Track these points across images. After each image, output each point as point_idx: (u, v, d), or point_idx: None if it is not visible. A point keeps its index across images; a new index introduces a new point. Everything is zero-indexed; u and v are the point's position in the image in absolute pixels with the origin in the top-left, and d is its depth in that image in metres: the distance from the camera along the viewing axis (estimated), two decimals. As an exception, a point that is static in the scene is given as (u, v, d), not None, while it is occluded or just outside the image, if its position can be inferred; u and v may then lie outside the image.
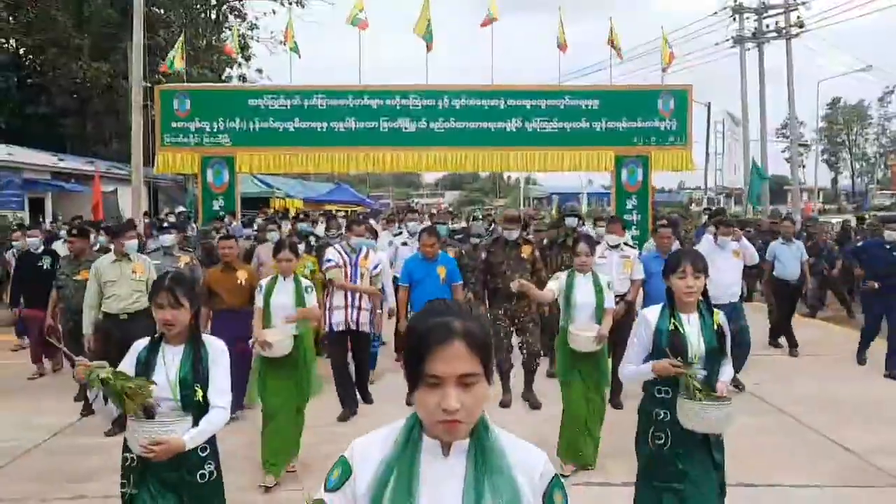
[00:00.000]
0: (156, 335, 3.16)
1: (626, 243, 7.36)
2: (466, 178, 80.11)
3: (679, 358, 3.27)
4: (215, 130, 13.59)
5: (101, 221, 14.14)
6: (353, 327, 6.60)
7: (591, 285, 5.32)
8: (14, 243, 9.67)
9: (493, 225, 14.69)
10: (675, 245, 8.39)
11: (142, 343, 3.19)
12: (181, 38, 14.79)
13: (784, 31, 20.08)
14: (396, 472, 1.45)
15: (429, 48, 14.09)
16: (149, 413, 2.92)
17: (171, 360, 3.08)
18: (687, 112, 13.90)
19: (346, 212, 27.14)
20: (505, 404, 6.83)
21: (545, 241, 8.68)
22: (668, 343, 3.35)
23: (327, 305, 6.72)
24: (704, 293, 3.43)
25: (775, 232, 10.56)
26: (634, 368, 3.52)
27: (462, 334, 1.39)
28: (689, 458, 3.30)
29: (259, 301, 5.33)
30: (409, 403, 5.96)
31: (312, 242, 9.52)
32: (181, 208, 20.53)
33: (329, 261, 6.71)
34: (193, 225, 13.98)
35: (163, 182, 24.51)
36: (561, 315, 5.45)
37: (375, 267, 6.79)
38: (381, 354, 8.33)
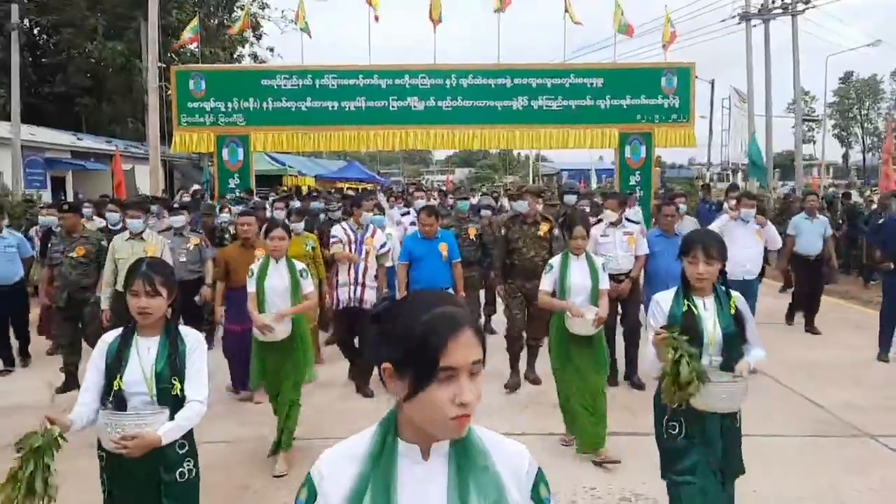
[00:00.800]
0: (128, 325, 2.98)
1: (628, 219, 7.11)
2: (477, 155, 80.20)
3: (692, 341, 3.10)
4: (230, 110, 14.02)
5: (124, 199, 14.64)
6: (357, 304, 6.53)
7: (585, 267, 5.18)
8: (41, 219, 10.12)
9: (499, 201, 15.07)
10: (692, 222, 8.36)
11: (112, 334, 3.00)
12: (195, 18, 15.09)
13: (790, 6, 20.22)
14: (372, 483, 1.38)
15: (435, 25, 14.44)
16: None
17: (145, 352, 2.92)
18: (690, 89, 14.21)
19: (357, 189, 27.58)
20: (513, 386, 6.72)
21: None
22: (683, 328, 3.15)
23: (334, 283, 6.72)
24: (722, 275, 3.29)
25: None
26: (644, 356, 3.50)
27: (469, 321, 1.35)
28: (704, 447, 3.16)
29: (251, 285, 5.15)
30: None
31: (322, 219, 9.53)
32: (196, 186, 21.01)
33: (333, 237, 6.73)
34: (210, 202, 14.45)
35: (178, 161, 25.00)
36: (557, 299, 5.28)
37: (382, 245, 6.78)
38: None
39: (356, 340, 6.78)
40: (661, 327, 3.20)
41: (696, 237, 3.28)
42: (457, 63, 14.39)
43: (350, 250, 6.58)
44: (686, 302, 3.25)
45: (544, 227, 6.81)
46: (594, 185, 26.12)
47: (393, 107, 14.13)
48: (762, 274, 7.53)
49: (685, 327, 3.15)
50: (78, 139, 22.19)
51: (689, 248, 3.23)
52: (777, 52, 20.80)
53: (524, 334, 6.81)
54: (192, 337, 3.02)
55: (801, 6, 20.01)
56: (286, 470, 4.89)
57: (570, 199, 8.57)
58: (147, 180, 17.28)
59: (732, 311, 3.25)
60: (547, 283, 5.23)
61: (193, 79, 14.06)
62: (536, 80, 14.10)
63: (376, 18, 14.77)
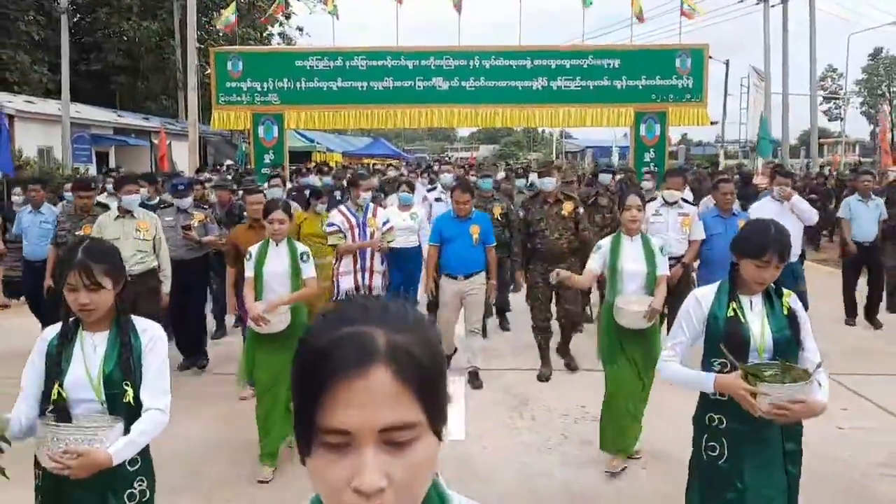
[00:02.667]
0: (71, 318, 2.47)
1: (684, 199, 6.61)
2: (501, 132, 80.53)
3: (738, 353, 2.71)
4: (265, 90, 14.87)
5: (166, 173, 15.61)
6: (363, 291, 6.08)
7: (640, 250, 4.59)
8: (66, 195, 9.64)
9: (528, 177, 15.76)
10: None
11: (52, 330, 2.49)
12: (233, 4, 15.90)
13: (808, -14, 20.58)
14: None
15: (459, 10, 15.16)
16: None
17: (91, 350, 2.43)
18: (703, 70, 14.77)
19: (384, 165, 28.41)
20: (544, 377, 6.38)
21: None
22: (725, 334, 2.78)
23: (336, 271, 6.36)
24: None
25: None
26: (681, 371, 2.90)
27: (386, 355, 0.83)
28: (751, 471, 2.74)
29: (249, 270, 4.75)
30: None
31: (337, 197, 8.85)
32: (229, 161, 21.99)
33: (332, 225, 6.27)
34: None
35: (211, 137, 25.97)
36: (606, 286, 4.76)
37: (385, 223, 6.40)
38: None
39: None
40: (729, 366, 2.72)
41: (771, 238, 2.75)
42: (480, 45, 15.09)
43: (353, 236, 6.16)
44: (731, 304, 2.83)
45: (568, 206, 6.29)
46: (616, 162, 26.72)
47: (419, 86, 14.87)
48: (803, 255, 6.99)
49: (728, 334, 2.77)
50: (119, 116, 23.26)
51: (762, 250, 2.72)
52: (800, 30, 21.21)
53: (550, 326, 6.45)
54: (149, 332, 2.53)
55: (819, -14, 20.32)
56: (271, 475, 4.57)
57: (605, 178, 8.07)
58: (182, 155, 18.23)
59: (785, 312, 2.83)
60: (595, 263, 4.69)
61: (231, 60, 14.91)
62: (556, 62, 14.75)
63: (399, 1, 15.47)
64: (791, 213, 6.57)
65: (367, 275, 6.19)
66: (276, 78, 14.85)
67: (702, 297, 2.95)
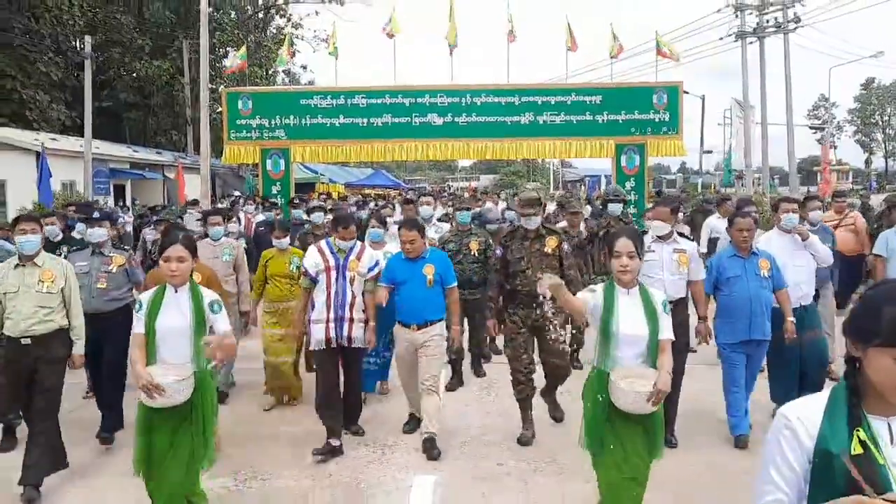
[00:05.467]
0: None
1: (680, 233, 5.69)
2: (501, 162, 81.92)
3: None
4: (273, 126, 16.07)
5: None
6: (341, 343, 5.39)
7: (639, 306, 3.62)
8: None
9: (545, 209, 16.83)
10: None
11: None
12: (244, 47, 17.16)
13: (782, 25, 21.89)
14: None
15: (452, 51, 16.44)
16: None
17: None
18: (678, 105, 15.94)
19: (384, 196, 29.59)
20: (525, 440, 5.45)
21: (584, 235, 7.42)
22: (849, 483, 1.61)
23: (308, 319, 5.50)
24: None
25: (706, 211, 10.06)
26: None
27: None
28: None
29: (138, 324, 3.70)
30: (405, 432, 5.70)
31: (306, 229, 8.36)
32: (236, 193, 23.17)
33: (302, 266, 5.57)
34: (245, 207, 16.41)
35: (219, 169, 27.22)
36: (595, 352, 3.78)
37: (371, 268, 5.52)
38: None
39: (349, 380, 5.68)
40: None
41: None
42: (471, 83, 16.32)
43: (328, 278, 5.36)
44: (856, 432, 1.66)
45: (552, 242, 5.45)
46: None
47: (415, 122, 16.06)
48: (817, 295, 6.01)
49: (853, 483, 1.60)
50: (134, 151, 24.55)
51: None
52: (790, 63, 22.43)
53: (532, 379, 5.52)
54: None
55: (792, 25, 21.64)
56: None
57: (615, 208, 7.20)
58: (195, 187, 19.41)
59: None
60: (587, 296, 3.73)
61: (241, 99, 16.15)
62: (541, 98, 15.95)
63: (390, 36, 16.74)
64: (800, 247, 5.76)
65: (344, 325, 5.34)
66: (282, 115, 16.06)
67: (799, 420, 1.71)
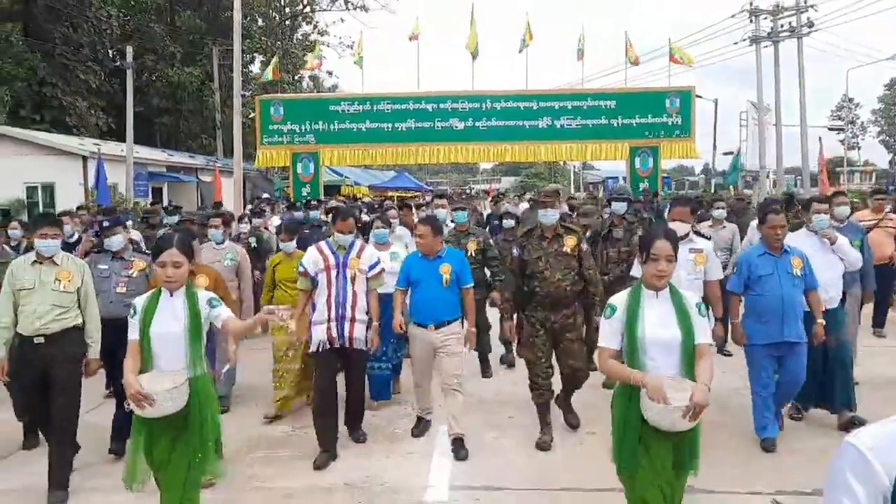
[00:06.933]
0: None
1: (696, 232, 5.61)
2: (523, 165, 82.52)
3: None
4: (303, 131, 17.01)
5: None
6: (342, 343, 5.22)
7: (670, 310, 3.29)
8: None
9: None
10: (733, 229, 7.72)
11: None
12: (276, 56, 18.10)
13: (796, 30, 22.43)
14: None
15: (473, 59, 17.25)
16: None
17: None
18: (690, 109, 16.65)
19: (405, 197, 30.43)
20: (544, 445, 5.26)
21: (587, 234, 6.98)
22: None
23: (310, 320, 5.37)
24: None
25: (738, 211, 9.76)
26: None
27: None
28: None
29: (133, 331, 3.57)
30: (415, 435, 5.54)
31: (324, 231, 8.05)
32: (266, 195, 24.09)
33: (301, 266, 5.34)
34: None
35: (250, 173, 28.22)
36: (624, 361, 3.36)
37: (373, 267, 5.36)
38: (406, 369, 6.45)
39: (351, 384, 5.50)
40: None
41: None
42: (491, 89, 17.13)
43: (328, 277, 5.21)
44: None
45: (570, 242, 5.32)
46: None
47: (438, 126, 16.91)
48: (844, 298, 5.88)
49: None
50: (169, 155, 25.65)
51: None
52: (805, 66, 22.90)
53: (551, 382, 5.34)
54: None
55: (805, 29, 22.18)
56: None
57: (620, 206, 6.79)
58: (228, 190, 20.37)
59: None
60: (609, 336, 3.36)
61: (273, 106, 17.10)
62: (558, 103, 16.74)
63: (412, 39, 17.60)
64: (828, 249, 5.60)
65: (346, 324, 5.19)
66: (312, 121, 16.98)
67: (873, 452, 1.38)
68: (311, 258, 5.26)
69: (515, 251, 5.41)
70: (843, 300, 5.79)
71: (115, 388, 5.45)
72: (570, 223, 5.85)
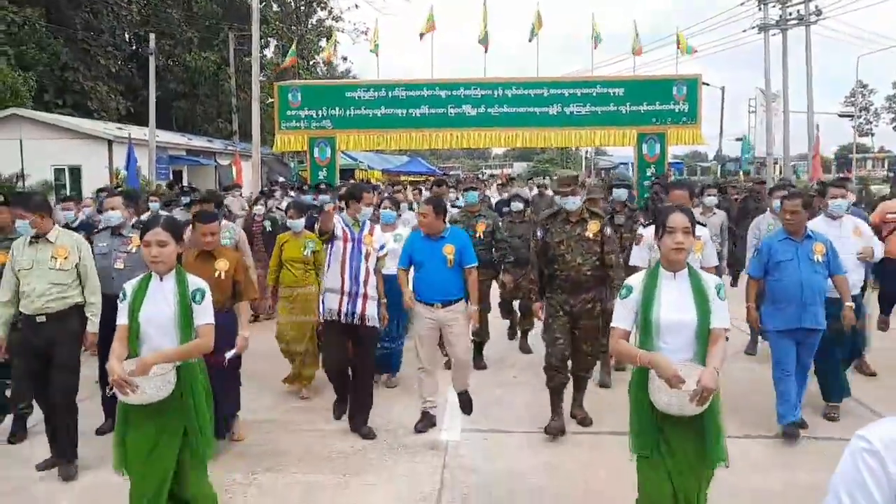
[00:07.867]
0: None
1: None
2: (534, 150, 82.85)
3: None
4: (320, 117, 17.53)
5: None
6: (352, 320, 5.25)
7: (687, 291, 3.21)
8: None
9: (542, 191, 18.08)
10: (722, 216, 7.75)
11: None
12: (294, 43, 18.63)
13: (804, 17, 22.73)
14: None
15: (485, 49, 17.73)
16: None
17: None
18: (697, 96, 17.04)
19: (419, 181, 30.98)
20: (555, 431, 5.31)
21: None
22: None
23: (322, 285, 5.49)
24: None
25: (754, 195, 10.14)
26: None
27: None
28: None
29: (122, 315, 3.47)
30: (418, 431, 5.49)
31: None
32: (281, 179, 24.69)
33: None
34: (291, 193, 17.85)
35: (267, 157, 28.86)
36: (636, 345, 3.29)
37: (382, 247, 5.49)
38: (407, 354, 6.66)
39: (362, 363, 5.51)
40: None
41: None
42: (503, 77, 17.62)
43: (345, 250, 5.26)
44: None
45: (593, 227, 5.35)
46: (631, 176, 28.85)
47: (451, 113, 17.40)
48: (864, 287, 5.86)
49: None
50: (189, 139, 26.30)
51: None
52: (816, 51, 23.23)
53: (569, 364, 5.42)
54: None
55: (813, 17, 22.47)
56: None
57: (621, 193, 6.91)
58: (246, 173, 21.05)
59: None
60: (623, 317, 3.31)
61: (291, 92, 17.62)
62: (568, 90, 17.19)
63: (423, 33, 18.11)
64: (850, 237, 5.61)
65: (358, 301, 5.23)
66: (329, 106, 17.50)
67: (887, 447, 1.31)
68: (337, 225, 5.29)
69: (539, 233, 5.48)
70: (864, 289, 5.76)
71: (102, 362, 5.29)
72: (595, 208, 5.81)
